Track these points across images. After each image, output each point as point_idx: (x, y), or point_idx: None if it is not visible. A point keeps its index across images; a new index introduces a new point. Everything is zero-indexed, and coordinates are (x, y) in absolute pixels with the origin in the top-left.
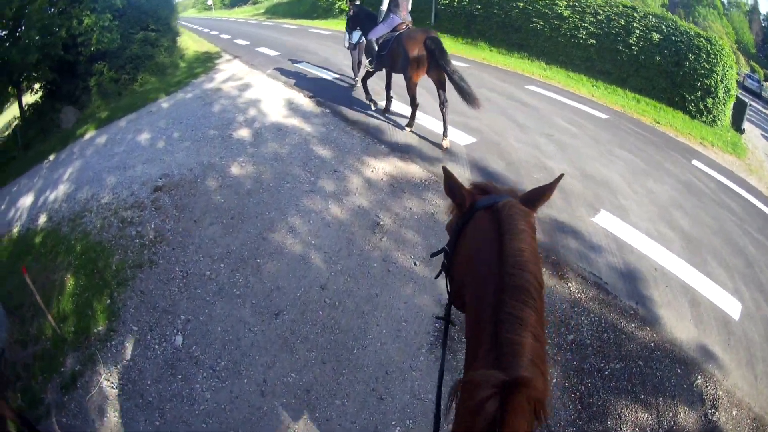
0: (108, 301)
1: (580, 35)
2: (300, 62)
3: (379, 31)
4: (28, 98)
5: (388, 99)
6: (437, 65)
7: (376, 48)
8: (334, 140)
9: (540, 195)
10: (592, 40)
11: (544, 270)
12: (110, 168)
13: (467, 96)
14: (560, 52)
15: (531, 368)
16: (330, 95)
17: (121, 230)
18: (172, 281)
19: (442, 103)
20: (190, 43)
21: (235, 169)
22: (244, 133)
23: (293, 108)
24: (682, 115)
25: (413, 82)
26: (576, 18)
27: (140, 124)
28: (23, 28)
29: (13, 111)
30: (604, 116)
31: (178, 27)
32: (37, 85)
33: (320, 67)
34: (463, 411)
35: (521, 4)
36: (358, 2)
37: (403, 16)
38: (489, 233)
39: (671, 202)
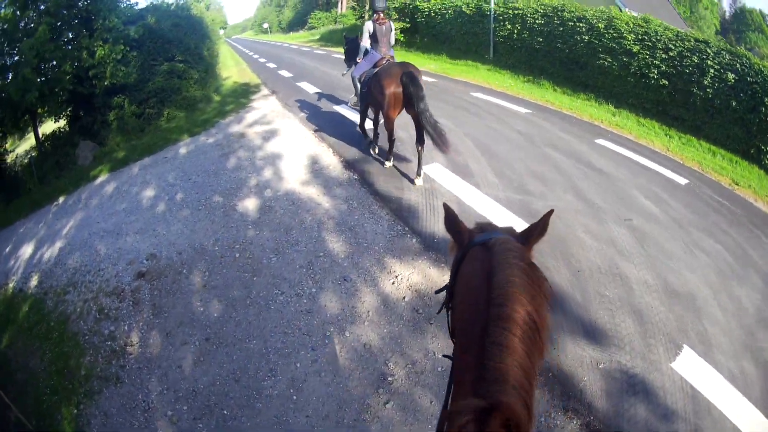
0: (75, 412)
1: (651, 74)
2: (339, 103)
3: (361, 69)
4: (47, 128)
5: (375, 135)
6: (411, 102)
7: (359, 85)
8: (354, 226)
9: (534, 231)
10: (663, 80)
11: None
12: (105, 232)
13: (438, 139)
14: (630, 94)
15: (512, 394)
16: (362, 155)
17: (97, 323)
18: (134, 410)
19: (418, 141)
20: (233, 72)
21: (226, 262)
22: (251, 204)
23: (316, 170)
24: (758, 170)
25: (389, 119)
26: (646, 54)
27: (150, 175)
28: (20, 62)
29: (33, 139)
30: (683, 181)
31: (215, 55)
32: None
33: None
34: None
35: (586, 38)
36: (351, 37)
37: (384, 52)
38: (480, 266)
39: (758, 316)
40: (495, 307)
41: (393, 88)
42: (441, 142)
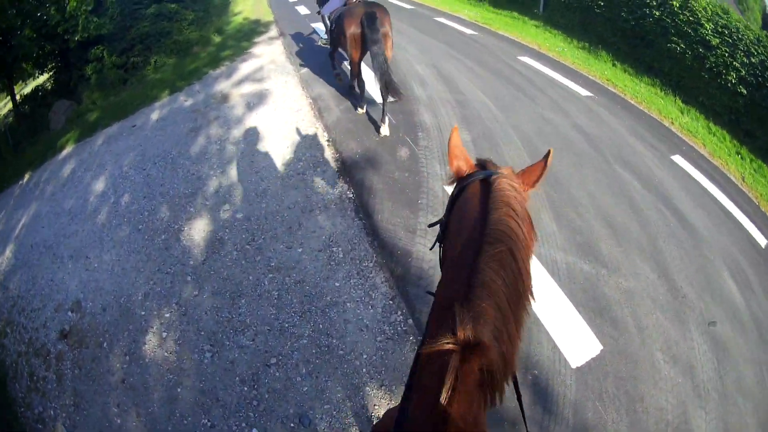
0: None
1: (730, 77)
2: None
3: (331, 6)
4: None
5: (343, 75)
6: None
7: (328, 24)
8: (328, 306)
9: (534, 172)
10: (742, 88)
11: None
12: (45, 247)
13: (385, 89)
14: (701, 91)
15: (489, 335)
16: (367, 150)
17: (29, 394)
18: None
19: (382, 90)
20: (248, 4)
21: (149, 347)
22: (199, 232)
23: (299, 173)
24: None
25: (352, 60)
26: (725, 51)
27: (109, 154)
28: None
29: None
30: (763, 242)
31: None
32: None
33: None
34: (424, 374)
35: (657, 14)
36: None
37: None
38: (478, 202)
39: None
40: (487, 245)
41: (353, 29)
42: (390, 92)
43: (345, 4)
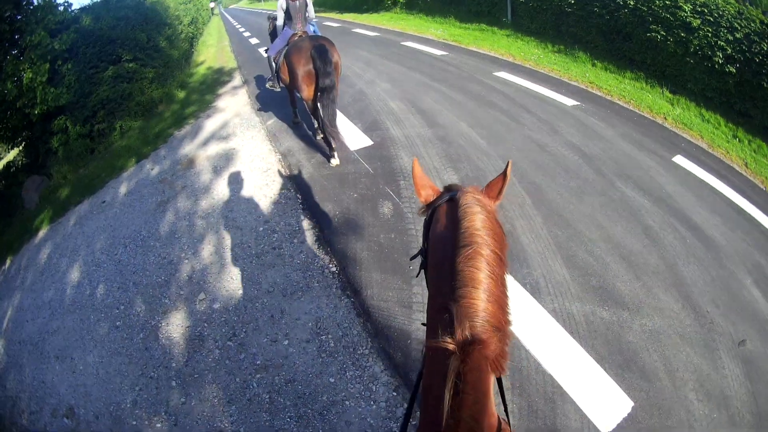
0: None
1: (716, 58)
2: None
3: (275, 48)
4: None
5: (298, 122)
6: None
7: (274, 65)
8: (330, 406)
9: (497, 185)
10: (730, 67)
11: None
12: (31, 344)
13: (329, 125)
14: (688, 77)
15: (486, 329)
16: (347, 209)
17: None
18: None
19: (327, 125)
20: (211, 53)
21: None
22: (177, 328)
23: (273, 249)
24: None
25: (306, 99)
26: (708, 31)
27: (82, 236)
28: None
29: None
30: None
31: (187, 38)
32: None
33: (353, 114)
34: (431, 375)
35: (632, 3)
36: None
37: (298, 28)
38: (448, 219)
39: None
40: (463, 248)
41: (302, 65)
42: (331, 131)
43: (287, 44)
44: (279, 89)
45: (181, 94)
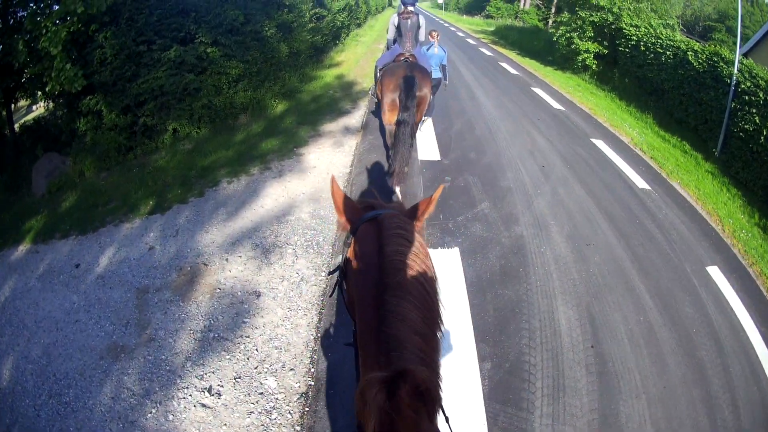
0: None
1: None
2: (453, 218)
3: (383, 60)
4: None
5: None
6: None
7: (375, 78)
8: None
9: (422, 207)
10: None
11: None
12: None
13: (399, 161)
14: None
15: (413, 360)
16: None
17: None
18: None
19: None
20: (355, 56)
21: None
22: None
23: None
24: None
25: (386, 124)
26: None
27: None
28: None
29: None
30: None
31: (301, 33)
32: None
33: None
34: (364, 417)
35: None
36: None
37: (407, 47)
38: (371, 241)
39: None
40: (388, 277)
41: (390, 91)
42: (398, 167)
43: (394, 60)
44: (377, 102)
45: (279, 108)
